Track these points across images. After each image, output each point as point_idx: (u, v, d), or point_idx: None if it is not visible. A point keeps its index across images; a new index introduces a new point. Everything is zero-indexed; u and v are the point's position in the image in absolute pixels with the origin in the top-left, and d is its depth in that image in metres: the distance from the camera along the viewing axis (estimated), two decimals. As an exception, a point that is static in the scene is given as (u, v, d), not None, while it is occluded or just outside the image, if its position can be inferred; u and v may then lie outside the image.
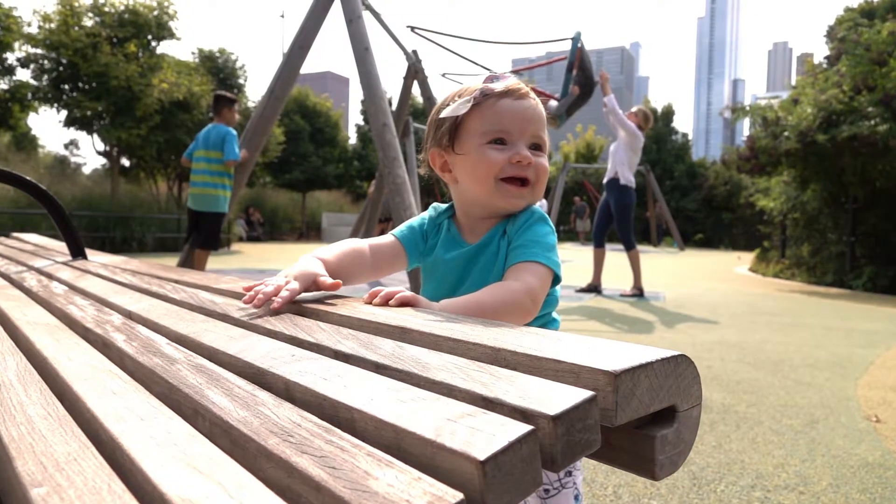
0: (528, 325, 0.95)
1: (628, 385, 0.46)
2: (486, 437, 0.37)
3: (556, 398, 0.42)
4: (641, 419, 0.49)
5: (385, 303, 0.80)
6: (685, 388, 0.51)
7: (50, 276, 1.42)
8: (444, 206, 1.18)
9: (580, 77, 6.73)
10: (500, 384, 0.46)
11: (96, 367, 0.65)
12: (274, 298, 0.82)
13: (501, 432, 0.38)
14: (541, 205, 1.25)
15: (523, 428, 0.38)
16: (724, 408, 2.58)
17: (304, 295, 0.86)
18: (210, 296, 0.94)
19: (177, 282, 1.13)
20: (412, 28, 7.87)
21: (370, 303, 0.81)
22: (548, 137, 1.10)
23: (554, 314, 1.10)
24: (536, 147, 1.05)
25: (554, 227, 1.06)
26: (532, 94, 1.07)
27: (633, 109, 6.75)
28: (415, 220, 1.16)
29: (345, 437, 0.41)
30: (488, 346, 0.54)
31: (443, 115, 1.05)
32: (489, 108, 1.03)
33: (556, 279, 0.98)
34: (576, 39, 6.81)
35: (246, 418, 0.47)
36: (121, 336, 0.77)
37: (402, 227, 1.16)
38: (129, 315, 0.91)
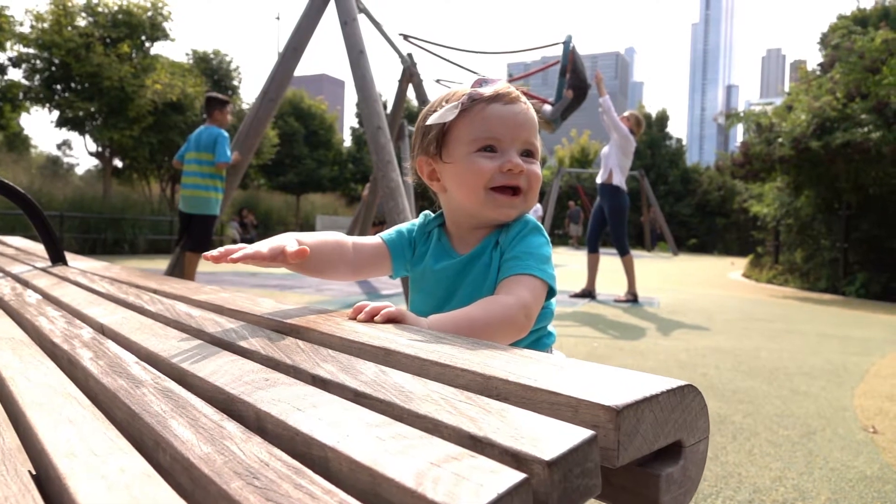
0: (523, 340, 0.91)
1: (631, 421, 0.41)
2: (472, 487, 0.33)
3: (553, 438, 0.38)
4: (644, 455, 0.45)
5: (370, 319, 0.75)
6: (692, 421, 0.47)
7: (25, 284, 1.37)
8: (435, 214, 1.14)
9: (573, 80, 6.71)
10: (490, 419, 0.41)
11: (56, 389, 0.61)
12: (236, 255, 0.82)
13: (490, 482, 0.33)
14: (535, 209, 1.21)
15: (515, 476, 0.34)
16: (720, 418, 2.54)
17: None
18: (187, 308, 0.89)
19: (155, 291, 1.08)
20: (405, 36, 7.84)
21: (354, 318, 0.77)
22: (540, 143, 1.06)
23: (549, 327, 1.05)
24: (528, 154, 1.00)
25: (549, 238, 1.01)
26: (523, 98, 1.02)
27: (626, 114, 6.74)
28: (404, 226, 1.12)
29: (316, 482, 0.37)
30: (478, 374, 0.50)
31: (429, 121, 1.01)
32: (477, 113, 0.98)
33: (551, 292, 0.94)
34: (567, 43, 6.79)
35: (209, 455, 0.42)
36: (88, 353, 0.72)
37: (391, 230, 1.11)
38: (101, 329, 0.86)
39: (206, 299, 0.94)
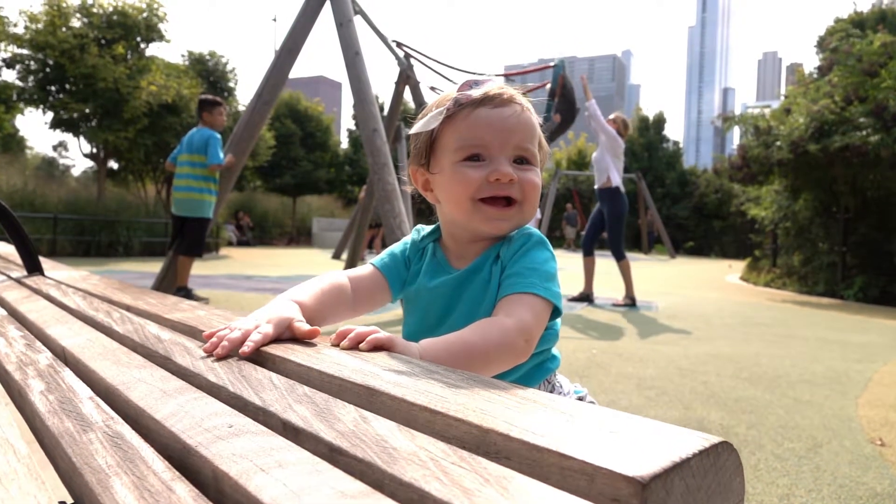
0: (525, 364, 0.83)
1: (659, 495, 0.34)
2: None
3: (565, 523, 0.31)
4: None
5: (355, 346, 0.68)
6: (726, 484, 0.40)
7: (-5, 296, 1.29)
8: (429, 227, 1.06)
9: (561, 104, 6.66)
10: (488, 492, 0.34)
11: (-6, 432, 0.53)
12: (246, 342, 0.69)
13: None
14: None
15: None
16: (723, 430, 2.48)
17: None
18: (158, 330, 0.82)
19: (128, 308, 1.01)
20: (398, 44, 7.76)
21: (338, 344, 0.69)
22: (539, 146, 0.96)
23: (554, 350, 0.98)
24: (522, 161, 0.92)
25: (553, 253, 0.93)
26: (519, 99, 0.93)
27: (612, 116, 6.69)
28: (396, 247, 1.04)
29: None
30: (474, 425, 0.43)
31: (412, 130, 0.94)
32: (462, 119, 0.90)
33: (556, 311, 0.86)
34: (558, 68, 6.74)
35: (151, 531, 0.35)
36: (40, 385, 0.65)
37: (383, 254, 1.04)
38: (63, 353, 0.78)
39: (180, 319, 0.86)
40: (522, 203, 0.92)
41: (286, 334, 0.75)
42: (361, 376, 0.55)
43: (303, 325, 0.75)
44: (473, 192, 0.89)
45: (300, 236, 25.95)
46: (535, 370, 0.94)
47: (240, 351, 0.68)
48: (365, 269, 1.00)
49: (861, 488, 1.95)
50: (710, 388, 3.19)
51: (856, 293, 9.39)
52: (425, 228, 1.06)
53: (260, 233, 23.78)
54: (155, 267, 6.67)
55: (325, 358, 0.62)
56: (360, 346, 0.67)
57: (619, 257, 6.52)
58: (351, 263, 10.53)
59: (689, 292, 9.35)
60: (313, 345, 0.68)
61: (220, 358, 0.68)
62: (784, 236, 12.03)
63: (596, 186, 6.67)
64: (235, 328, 0.73)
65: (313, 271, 10.61)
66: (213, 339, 0.71)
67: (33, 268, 1.59)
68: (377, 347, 0.67)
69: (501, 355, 0.76)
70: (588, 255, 6.80)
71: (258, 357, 0.66)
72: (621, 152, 6.53)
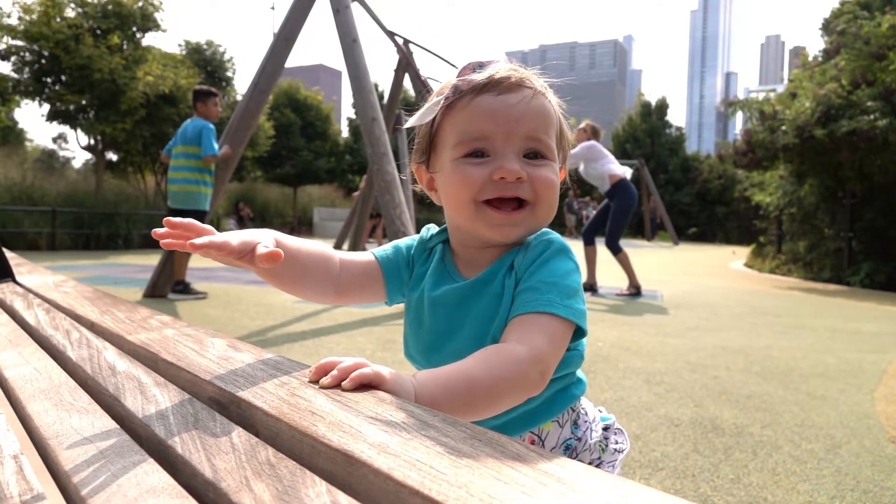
0: (545, 390, 0.72)
1: None
2: None
3: None
4: None
5: (337, 384, 0.57)
6: None
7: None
8: (441, 226, 0.93)
9: None
10: None
11: None
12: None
13: None
14: None
15: None
16: (737, 429, 2.38)
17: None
18: (115, 357, 0.71)
19: (92, 325, 0.91)
20: (391, 34, 7.56)
21: (317, 381, 0.59)
22: (559, 136, 0.82)
23: (579, 373, 0.86)
24: (535, 154, 0.78)
25: (577, 263, 0.81)
26: (530, 82, 0.79)
27: (582, 125, 6.58)
28: (404, 241, 0.92)
29: None
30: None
31: (407, 124, 0.82)
32: (462, 109, 0.77)
33: (580, 331, 0.74)
34: None
35: None
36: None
37: (387, 246, 0.92)
38: (4, 385, 0.68)
39: (143, 342, 0.76)
40: (535, 205, 0.79)
41: (247, 256, 0.68)
42: (339, 435, 0.44)
43: (264, 248, 0.67)
44: (475, 194, 0.77)
45: (301, 226, 25.86)
46: (557, 397, 0.82)
47: (189, 243, 0.64)
48: (362, 255, 0.89)
49: (887, 494, 1.85)
50: (721, 383, 3.09)
51: (862, 279, 9.29)
52: (435, 227, 0.94)
53: (261, 223, 23.67)
54: (155, 260, 6.57)
55: (300, 403, 0.51)
56: (344, 384, 0.57)
57: (615, 251, 6.37)
58: (352, 254, 10.41)
59: (693, 280, 9.24)
60: (289, 384, 0.57)
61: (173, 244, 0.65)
62: (789, 222, 11.90)
63: (603, 191, 6.54)
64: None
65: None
66: (169, 241, 0.67)
67: (4, 273, 1.49)
68: (363, 386, 0.57)
69: (511, 391, 0.65)
70: (589, 244, 6.68)
71: (221, 398, 0.56)
72: (599, 150, 6.42)
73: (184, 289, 5.58)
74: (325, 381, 0.57)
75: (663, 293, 6.97)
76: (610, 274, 7.75)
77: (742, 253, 17.35)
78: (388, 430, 0.45)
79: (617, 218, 6.37)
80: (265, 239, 0.71)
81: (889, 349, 4.17)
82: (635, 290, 6.54)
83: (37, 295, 1.23)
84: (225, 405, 0.55)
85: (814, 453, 2.15)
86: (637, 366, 3.40)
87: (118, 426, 0.52)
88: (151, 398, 0.57)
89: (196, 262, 8.38)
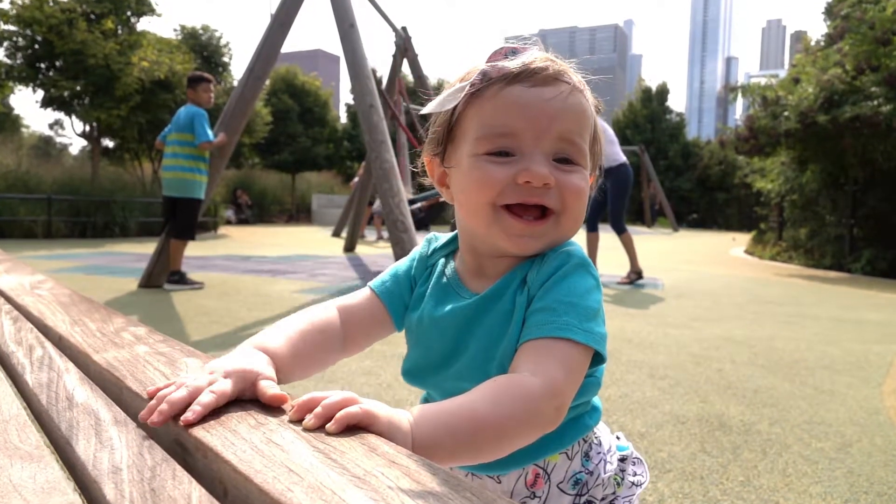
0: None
1: None
2: None
3: None
4: None
5: (321, 425, 0.49)
6: None
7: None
8: (445, 237, 0.84)
9: None
10: None
11: None
12: (192, 407, 0.52)
13: None
14: None
15: None
16: (744, 427, 2.32)
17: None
18: (76, 382, 0.64)
19: (59, 339, 0.83)
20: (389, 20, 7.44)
21: (299, 420, 0.51)
22: (593, 141, 0.73)
23: (595, 399, 0.78)
24: (565, 160, 0.69)
25: (599, 280, 0.72)
26: (569, 76, 0.70)
27: None
28: (402, 264, 0.83)
29: None
30: None
31: (424, 110, 0.72)
32: (489, 99, 0.68)
33: (599, 357, 0.66)
34: None
35: None
36: None
37: (385, 274, 0.82)
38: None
39: (111, 361, 0.68)
40: (560, 215, 0.70)
41: (249, 393, 0.57)
42: (317, 500, 0.36)
43: (269, 388, 0.56)
44: (495, 197, 0.68)
45: (300, 213, 25.71)
46: (569, 426, 0.74)
47: (182, 418, 0.51)
48: (360, 295, 0.80)
49: (901, 496, 1.79)
50: (725, 376, 3.03)
51: (863, 266, 9.22)
52: (439, 238, 0.85)
53: (259, 210, 23.53)
54: (151, 248, 6.47)
55: (275, 455, 0.43)
56: (329, 426, 0.49)
57: (620, 230, 6.34)
58: (350, 241, 10.33)
59: (694, 268, 9.18)
60: (266, 423, 0.50)
61: (159, 424, 0.51)
62: (791, 209, 11.81)
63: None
64: (182, 383, 0.55)
65: (313, 250, 10.43)
66: (153, 402, 0.53)
67: (-20, 273, 1.41)
68: (350, 427, 0.49)
69: (523, 432, 0.57)
70: (592, 230, 6.61)
71: (189, 442, 0.48)
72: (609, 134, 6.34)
73: (180, 279, 5.51)
74: (307, 422, 0.49)
75: (664, 282, 6.90)
76: (610, 262, 7.68)
77: (742, 239, 17.28)
78: (377, 499, 0.37)
79: (616, 199, 6.32)
80: (258, 363, 0.60)
81: (894, 340, 4.12)
82: (636, 276, 6.49)
83: (8, 300, 1.15)
84: (191, 451, 0.48)
85: (824, 452, 2.10)
86: (639, 358, 3.34)
87: (66, 476, 0.45)
88: (107, 442, 0.49)
89: (194, 249, 8.29)
